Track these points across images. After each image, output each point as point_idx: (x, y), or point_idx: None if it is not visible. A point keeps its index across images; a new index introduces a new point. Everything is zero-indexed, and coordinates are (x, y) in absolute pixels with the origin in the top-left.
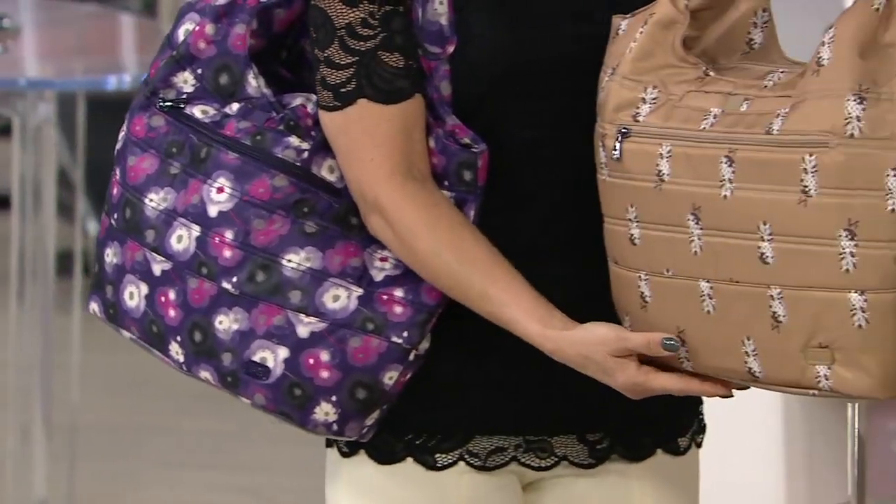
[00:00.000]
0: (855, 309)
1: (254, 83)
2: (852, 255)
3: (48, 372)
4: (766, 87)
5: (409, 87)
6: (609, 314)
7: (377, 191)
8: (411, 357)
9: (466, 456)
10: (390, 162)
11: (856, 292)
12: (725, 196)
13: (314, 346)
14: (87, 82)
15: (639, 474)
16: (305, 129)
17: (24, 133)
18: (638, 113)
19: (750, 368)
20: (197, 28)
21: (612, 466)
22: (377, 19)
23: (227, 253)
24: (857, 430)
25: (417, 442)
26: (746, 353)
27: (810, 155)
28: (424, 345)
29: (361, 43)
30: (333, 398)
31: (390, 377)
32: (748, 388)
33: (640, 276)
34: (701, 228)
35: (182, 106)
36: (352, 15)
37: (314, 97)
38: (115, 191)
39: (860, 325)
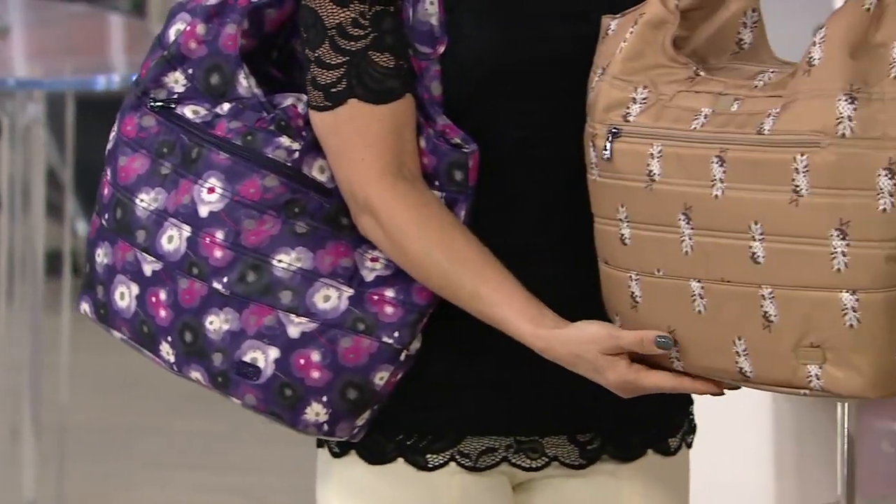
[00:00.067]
0: (846, 308)
1: (245, 83)
2: (844, 254)
3: (37, 372)
4: (757, 87)
5: (399, 87)
6: (601, 314)
7: (368, 191)
8: (402, 357)
9: (457, 456)
10: (381, 162)
11: (847, 292)
12: (716, 196)
13: (305, 347)
14: (76, 82)
15: (629, 475)
16: (296, 130)
17: (13, 133)
18: (628, 113)
19: (741, 368)
20: (188, 28)
21: (603, 467)
22: (368, 19)
23: (218, 253)
24: (846, 430)
25: (408, 442)
26: (737, 352)
27: (802, 155)
28: (415, 345)
29: (352, 43)
30: (324, 398)
31: (381, 377)
32: (739, 387)
33: (630, 276)
34: (692, 228)
35: (173, 106)
36: (342, 15)
37: (305, 97)
38: (105, 191)
39: (852, 325)
